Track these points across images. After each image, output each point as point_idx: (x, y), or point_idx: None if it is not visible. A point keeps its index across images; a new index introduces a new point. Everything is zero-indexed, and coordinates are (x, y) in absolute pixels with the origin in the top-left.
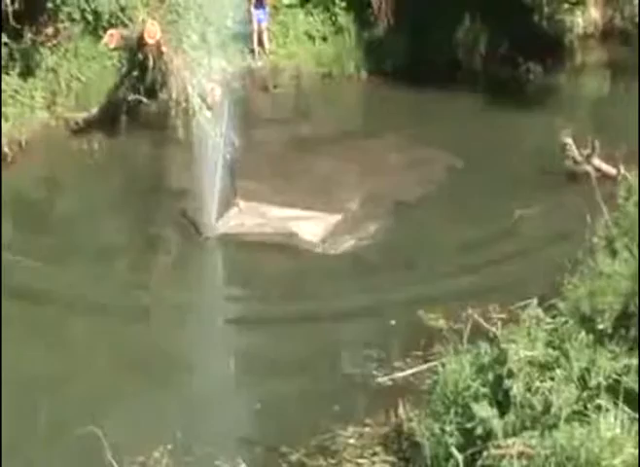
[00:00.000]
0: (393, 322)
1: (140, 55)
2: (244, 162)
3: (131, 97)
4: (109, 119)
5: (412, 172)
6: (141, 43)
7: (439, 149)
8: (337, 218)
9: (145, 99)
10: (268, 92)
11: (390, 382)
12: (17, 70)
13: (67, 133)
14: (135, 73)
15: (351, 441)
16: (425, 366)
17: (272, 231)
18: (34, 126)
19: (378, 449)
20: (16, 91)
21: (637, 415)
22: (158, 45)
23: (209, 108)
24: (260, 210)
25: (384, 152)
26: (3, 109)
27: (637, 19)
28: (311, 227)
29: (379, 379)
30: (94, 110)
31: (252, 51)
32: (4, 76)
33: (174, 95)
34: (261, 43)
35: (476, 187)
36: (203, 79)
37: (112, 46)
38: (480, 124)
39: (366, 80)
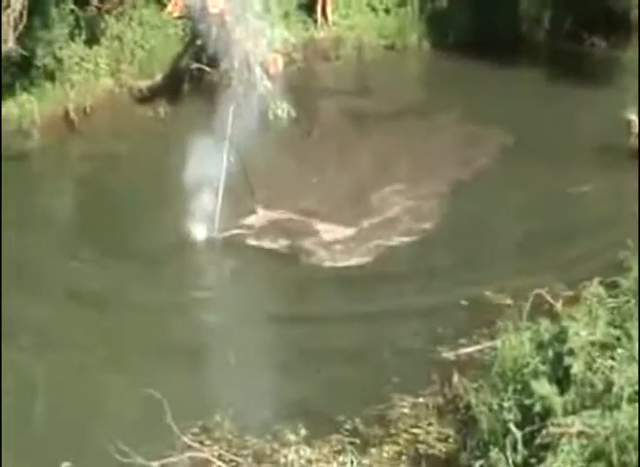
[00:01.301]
0: (464, 302)
1: (203, 25)
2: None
3: (194, 66)
4: (172, 87)
5: (467, 151)
6: (204, 12)
7: (497, 125)
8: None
9: (207, 68)
10: (330, 63)
11: (453, 358)
12: (83, 37)
13: (131, 100)
14: (198, 42)
15: (406, 411)
16: (489, 343)
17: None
18: (99, 93)
19: (433, 419)
20: (81, 59)
21: None
22: (221, 14)
23: (271, 78)
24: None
25: (439, 129)
26: (69, 75)
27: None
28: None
29: (444, 355)
30: (158, 78)
31: (315, 21)
32: (70, 43)
33: (236, 65)
34: (324, 13)
35: (530, 164)
36: (265, 49)
37: (176, 14)
38: (543, 99)
39: (428, 52)
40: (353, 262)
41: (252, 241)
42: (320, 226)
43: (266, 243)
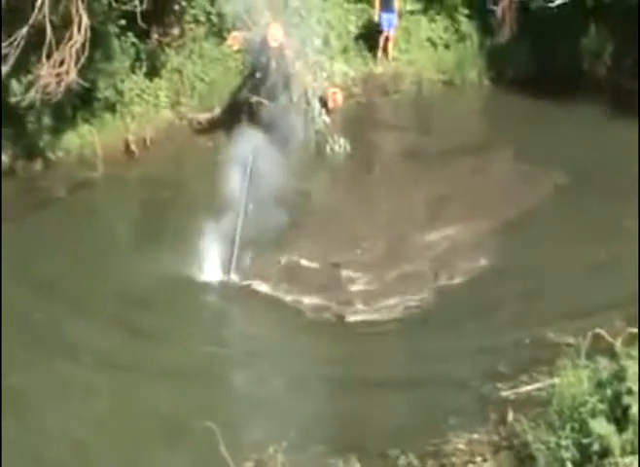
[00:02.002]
0: (527, 340)
1: (263, 58)
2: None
3: (253, 99)
4: (231, 119)
5: (520, 190)
6: (264, 45)
7: (554, 163)
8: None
9: (266, 101)
10: (388, 98)
11: (511, 396)
12: (144, 70)
13: (191, 132)
14: (257, 75)
15: (461, 446)
16: (548, 381)
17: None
18: (159, 125)
19: (489, 456)
20: (141, 91)
21: None
22: (280, 47)
23: (329, 112)
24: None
25: (495, 167)
26: (129, 107)
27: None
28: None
29: (502, 393)
30: (217, 110)
31: (374, 56)
32: (131, 75)
33: (295, 99)
34: (385, 48)
35: (586, 202)
36: (325, 83)
37: (235, 48)
38: (602, 137)
39: (487, 88)
40: (399, 309)
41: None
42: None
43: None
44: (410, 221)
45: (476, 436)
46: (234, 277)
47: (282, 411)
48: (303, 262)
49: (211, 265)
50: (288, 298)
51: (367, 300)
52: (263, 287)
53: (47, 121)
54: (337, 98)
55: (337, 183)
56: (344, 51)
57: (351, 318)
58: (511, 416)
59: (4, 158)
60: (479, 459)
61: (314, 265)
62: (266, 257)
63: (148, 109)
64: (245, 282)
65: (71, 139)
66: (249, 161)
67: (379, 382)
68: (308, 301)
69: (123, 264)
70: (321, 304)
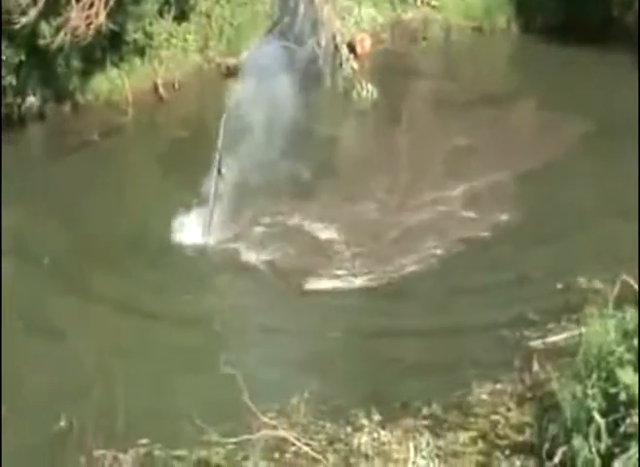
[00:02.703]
0: (559, 285)
1: (291, 2)
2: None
3: (281, 43)
4: (258, 63)
5: (545, 138)
6: None
7: (581, 111)
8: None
9: (294, 46)
10: (417, 45)
11: (538, 344)
12: (172, 14)
13: (219, 76)
14: (286, 20)
15: (484, 397)
16: (575, 331)
17: None
18: (187, 69)
19: (513, 406)
20: (170, 35)
21: None
22: None
23: (357, 58)
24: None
25: (522, 115)
26: (158, 51)
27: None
28: None
29: (532, 343)
30: (245, 54)
31: (403, 1)
32: (159, 19)
33: (323, 44)
34: None
35: (612, 150)
36: (353, 28)
37: None
38: (630, 85)
39: (516, 35)
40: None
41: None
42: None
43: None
44: (431, 172)
45: (499, 386)
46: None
47: (303, 363)
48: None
49: None
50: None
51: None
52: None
53: (76, 64)
54: (365, 44)
55: (361, 130)
56: None
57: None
58: (536, 366)
59: (34, 100)
60: (502, 410)
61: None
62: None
63: (176, 53)
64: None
65: (100, 83)
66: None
67: (403, 332)
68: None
69: (146, 208)
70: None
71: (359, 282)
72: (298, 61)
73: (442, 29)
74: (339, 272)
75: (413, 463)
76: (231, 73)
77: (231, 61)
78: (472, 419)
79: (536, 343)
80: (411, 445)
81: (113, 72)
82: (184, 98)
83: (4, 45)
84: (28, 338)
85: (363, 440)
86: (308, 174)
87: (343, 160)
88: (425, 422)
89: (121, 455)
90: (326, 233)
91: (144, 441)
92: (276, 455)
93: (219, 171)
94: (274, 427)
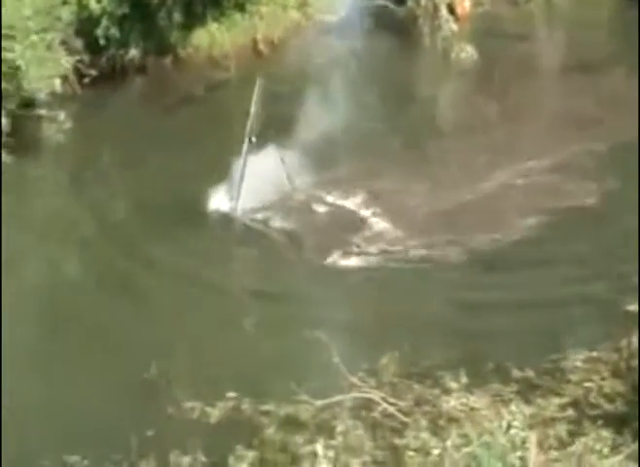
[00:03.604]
0: None
1: None
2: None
3: (380, 2)
4: (358, 22)
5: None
6: None
7: None
8: None
9: (393, 5)
10: (517, 7)
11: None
12: None
13: (317, 33)
14: None
15: (579, 364)
16: None
17: None
18: (286, 25)
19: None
20: None
21: None
22: None
23: (457, 20)
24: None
25: (617, 84)
26: (259, 7)
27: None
28: None
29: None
30: (344, 12)
31: None
32: None
33: (422, 3)
34: None
35: None
36: None
37: None
38: None
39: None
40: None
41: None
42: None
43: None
44: (525, 138)
45: (595, 354)
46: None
47: (396, 323)
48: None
49: None
50: None
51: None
52: None
53: (177, 18)
54: (465, 6)
55: (457, 92)
56: None
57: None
58: (635, 336)
59: (136, 52)
60: (596, 378)
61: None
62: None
63: (276, 9)
64: None
65: (200, 37)
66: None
67: (498, 303)
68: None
69: None
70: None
71: (449, 254)
72: (396, 21)
73: None
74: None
75: (504, 428)
76: (330, 30)
77: (330, 18)
78: (564, 386)
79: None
80: (504, 411)
81: (213, 26)
82: (283, 54)
83: None
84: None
85: (451, 403)
86: (398, 136)
87: (436, 122)
88: (515, 388)
89: (208, 408)
90: (411, 199)
91: (232, 394)
92: (363, 414)
93: (249, 140)
94: (362, 388)
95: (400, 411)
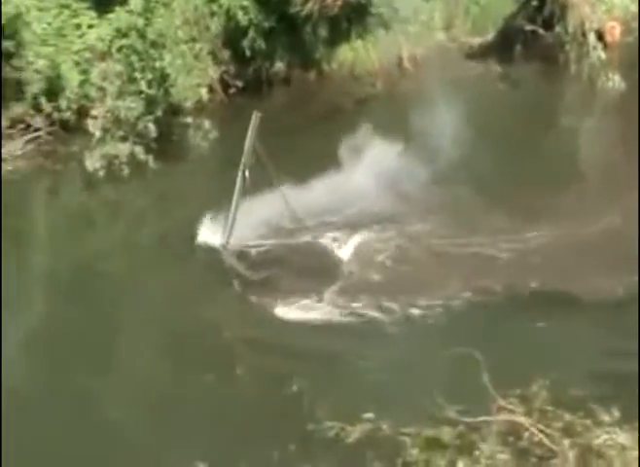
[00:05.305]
0: None
1: None
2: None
3: (528, 27)
4: (503, 46)
5: None
6: None
7: None
8: None
9: (541, 31)
10: None
11: None
12: None
13: (461, 56)
14: (534, 3)
15: None
16: None
17: None
18: (430, 45)
19: None
20: (416, 11)
21: None
22: None
23: (606, 47)
24: None
25: None
26: (404, 26)
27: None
28: None
29: None
30: (490, 36)
31: None
32: None
33: (570, 30)
34: None
35: None
36: (603, 16)
37: None
38: None
39: None
40: None
41: None
42: None
43: None
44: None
45: None
46: None
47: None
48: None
49: None
50: None
51: None
52: None
53: (322, 32)
54: (615, 33)
55: (599, 126)
56: None
57: None
58: None
59: (281, 65)
60: None
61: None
62: None
63: (421, 29)
64: None
65: (345, 53)
66: None
67: None
68: None
69: None
70: None
71: None
72: (543, 46)
73: None
74: None
75: None
76: (475, 53)
77: (475, 41)
78: None
79: None
80: None
81: (357, 43)
82: (426, 73)
83: (256, 9)
84: None
85: (602, 438)
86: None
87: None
88: None
89: (348, 427)
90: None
91: (369, 415)
92: (510, 440)
93: (243, 173)
94: (511, 411)
95: (548, 438)
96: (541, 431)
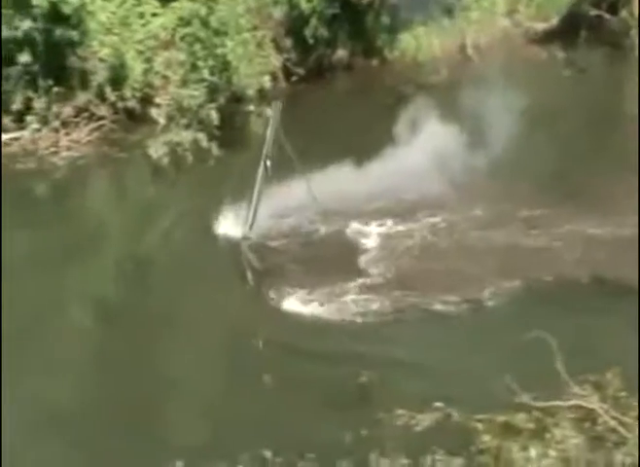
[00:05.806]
0: None
1: None
2: None
3: (593, 12)
4: (568, 31)
5: None
6: None
7: None
8: None
9: (607, 15)
10: None
11: None
12: None
13: (525, 41)
14: None
15: None
16: None
17: None
18: (494, 32)
19: None
20: None
21: None
22: None
23: None
24: None
25: None
26: (467, 13)
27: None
28: None
29: None
30: (554, 21)
31: None
32: None
33: (636, 14)
34: None
35: None
36: None
37: None
38: None
39: None
40: None
41: None
42: None
43: None
44: None
45: None
46: None
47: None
48: None
49: None
50: None
51: None
52: None
53: (385, 20)
54: None
55: None
56: None
57: None
58: None
59: (343, 53)
60: None
61: None
62: None
63: (485, 15)
64: None
65: (407, 41)
66: None
67: None
68: None
69: None
70: None
71: None
72: (608, 31)
73: None
74: None
75: None
76: (539, 39)
77: (540, 26)
78: None
79: None
80: None
81: (420, 30)
82: (489, 60)
83: None
84: None
85: None
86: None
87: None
88: None
89: (419, 415)
90: None
91: (439, 404)
92: (586, 426)
93: (265, 164)
94: (586, 397)
95: (622, 425)
96: (614, 418)
